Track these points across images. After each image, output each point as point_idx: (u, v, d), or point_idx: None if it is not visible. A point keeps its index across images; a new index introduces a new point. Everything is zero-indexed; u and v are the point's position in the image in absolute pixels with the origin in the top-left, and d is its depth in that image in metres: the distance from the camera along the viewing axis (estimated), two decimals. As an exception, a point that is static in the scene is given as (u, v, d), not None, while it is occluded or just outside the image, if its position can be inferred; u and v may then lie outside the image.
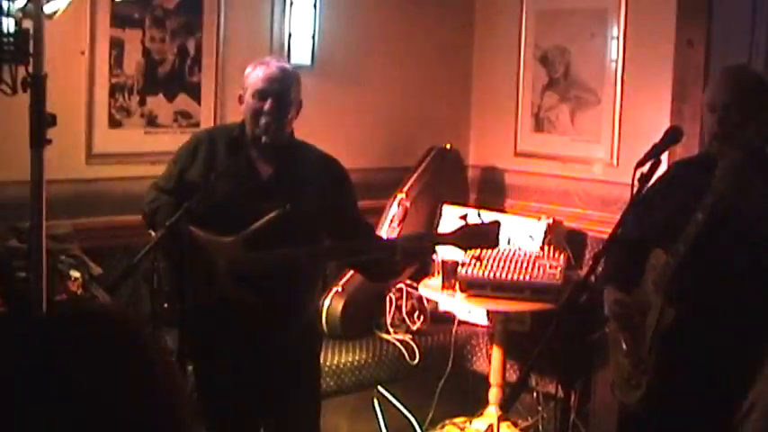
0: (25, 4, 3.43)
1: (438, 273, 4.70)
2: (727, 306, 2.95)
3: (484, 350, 5.13)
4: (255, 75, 3.31)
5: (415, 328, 4.97)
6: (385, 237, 3.28)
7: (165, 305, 3.22)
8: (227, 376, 3.39)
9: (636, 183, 2.59)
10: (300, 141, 3.48)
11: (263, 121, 3.26)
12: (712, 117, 3.00)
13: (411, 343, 4.88)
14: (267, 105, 3.26)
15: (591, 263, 2.40)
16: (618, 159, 5.08)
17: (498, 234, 3.21)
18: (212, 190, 3.21)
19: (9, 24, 3.30)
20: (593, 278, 2.36)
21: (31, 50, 3.28)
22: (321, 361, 3.83)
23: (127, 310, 3.08)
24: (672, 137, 2.85)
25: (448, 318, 5.04)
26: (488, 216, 3.36)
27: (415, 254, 3.31)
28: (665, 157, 2.88)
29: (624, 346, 3.09)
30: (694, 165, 3.20)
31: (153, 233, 3.30)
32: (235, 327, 3.31)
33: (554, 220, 4.97)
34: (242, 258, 3.22)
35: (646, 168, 2.64)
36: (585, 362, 4.46)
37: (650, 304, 3.04)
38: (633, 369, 3.09)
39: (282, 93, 3.29)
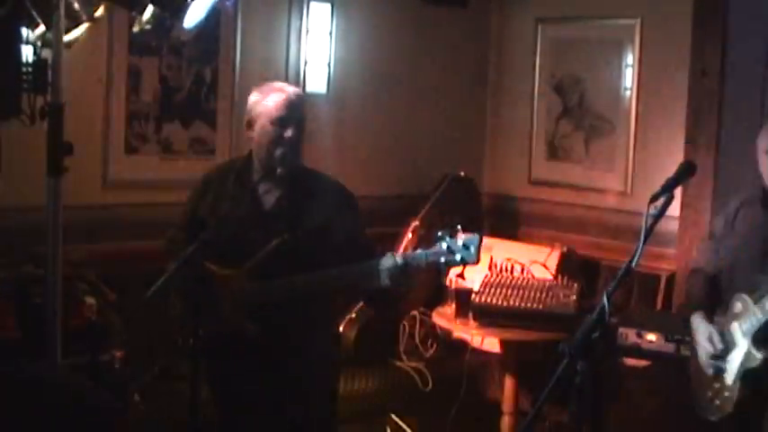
0: (44, 33, 3.47)
1: (451, 301, 4.69)
2: None
3: (496, 378, 5.11)
4: (273, 101, 3.22)
5: (427, 355, 4.98)
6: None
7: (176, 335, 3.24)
8: (243, 404, 3.39)
9: (648, 218, 2.59)
10: (309, 169, 3.41)
11: (280, 150, 3.20)
12: None
13: (424, 370, 4.88)
14: (288, 133, 3.20)
15: (602, 300, 2.40)
16: (632, 188, 5.08)
17: (479, 249, 3.03)
18: (221, 223, 3.18)
19: (28, 54, 3.34)
20: (606, 316, 2.36)
21: (50, 80, 3.32)
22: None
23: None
24: (685, 171, 2.85)
25: (461, 345, 5.02)
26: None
27: (403, 276, 3.09)
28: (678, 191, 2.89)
29: (710, 373, 3.39)
30: (755, 203, 3.42)
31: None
32: (247, 356, 3.30)
33: (567, 249, 4.97)
34: (245, 289, 3.20)
35: (659, 203, 2.64)
36: (598, 392, 4.44)
37: (735, 342, 3.32)
38: (716, 393, 3.37)
39: (302, 120, 3.25)
